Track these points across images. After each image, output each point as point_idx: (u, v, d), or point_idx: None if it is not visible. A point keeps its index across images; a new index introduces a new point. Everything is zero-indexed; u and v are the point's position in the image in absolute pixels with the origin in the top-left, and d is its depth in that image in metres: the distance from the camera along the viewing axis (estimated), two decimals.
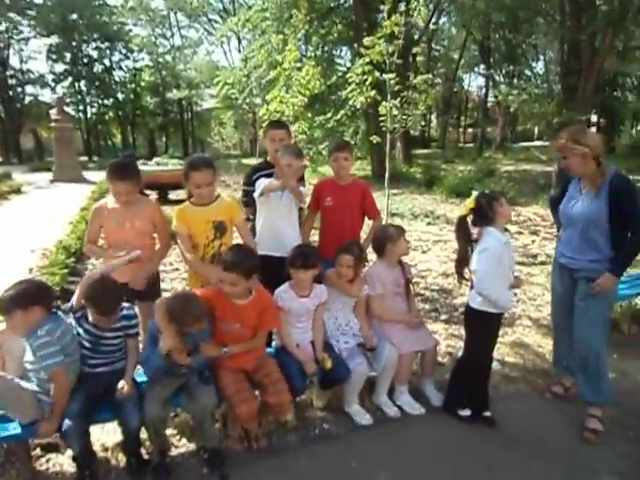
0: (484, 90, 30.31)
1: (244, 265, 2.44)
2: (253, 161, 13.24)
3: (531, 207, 10.54)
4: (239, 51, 28.80)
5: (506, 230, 2.89)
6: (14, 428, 2.25)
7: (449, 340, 3.94)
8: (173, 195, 12.32)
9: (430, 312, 4.56)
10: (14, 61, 32.86)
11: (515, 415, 2.93)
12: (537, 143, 31.80)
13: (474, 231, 2.80)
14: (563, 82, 13.64)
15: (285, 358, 2.73)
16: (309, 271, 2.70)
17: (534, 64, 29.28)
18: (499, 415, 2.86)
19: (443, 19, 27.92)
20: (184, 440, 2.68)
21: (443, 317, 4.42)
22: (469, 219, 2.80)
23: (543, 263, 6.21)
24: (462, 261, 2.83)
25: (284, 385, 2.56)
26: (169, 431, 2.66)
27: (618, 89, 26.00)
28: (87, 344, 2.40)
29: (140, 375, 2.55)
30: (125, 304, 2.49)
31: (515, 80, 24.60)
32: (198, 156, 3.07)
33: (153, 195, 11.99)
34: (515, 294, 5.03)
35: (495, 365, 3.45)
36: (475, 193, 2.80)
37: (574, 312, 2.86)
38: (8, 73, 30.08)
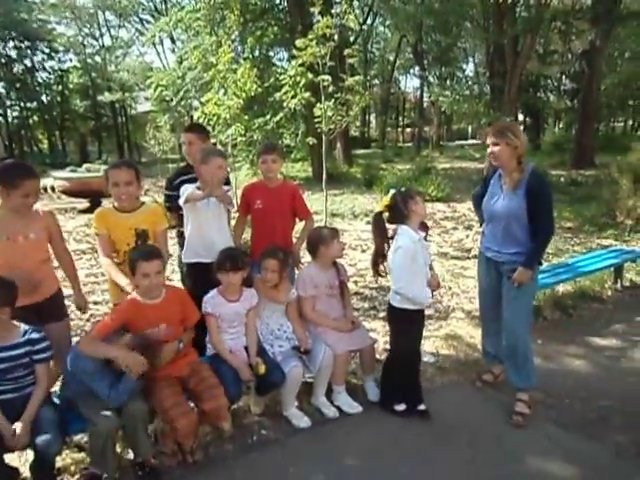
0: (419, 91, 31.36)
1: (159, 252, 2.52)
2: None
3: (466, 203, 10.96)
4: (173, 52, 28.01)
5: (425, 228, 2.94)
6: None
7: (387, 337, 3.99)
8: (106, 202, 11.73)
9: (369, 310, 4.63)
10: None
11: (449, 406, 3.03)
12: (471, 141, 33.33)
13: (391, 228, 2.86)
14: (490, 83, 14.39)
15: (219, 365, 2.67)
16: (238, 273, 2.68)
17: (465, 66, 30.74)
18: (434, 407, 2.93)
19: (378, 21, 28.63)
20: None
21: (382, 314, 4.49)
22: (385, 216, 2.86)
23: (476, 257, 6.47)
24: (378, 257, 2.89)
25: (220, 390, 2.51)
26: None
27: (541, 90, 27.81)
28: None
29: (57, 397, 2.39)
30: (28, 327, 2.31)
31: (447, 81, 25.72)
32: (121, 159, 2.99)
33: (84, 203, 11.41)
34: (450, 287, 5.24)
35: (429, 358, 3.59)
36: (392, 191, 2.86)
37: (501, 303, 2.99)
38: None
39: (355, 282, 5.29)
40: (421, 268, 2.79)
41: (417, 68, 30.55)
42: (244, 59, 13.79)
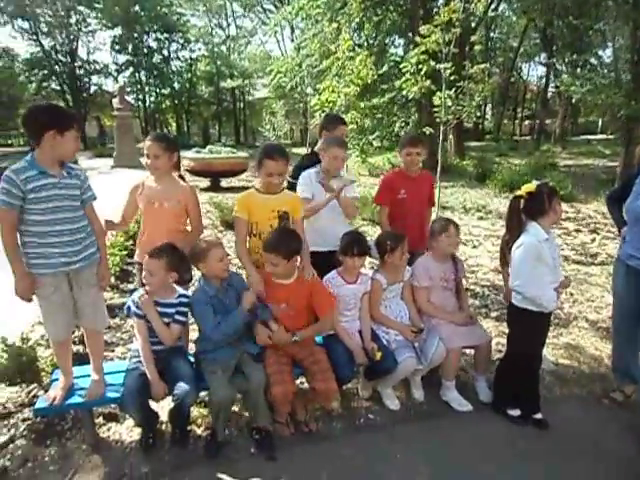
0: (544, 80, 28.85)
1: (284, 247, 2.55)
2: (303, 150, 13.31)
3: (591, 204, 9.98)
4: (292, 40, 28.90)
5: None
6: (79, 395, 2.43)
7: (500, 338, 3.82)
8: (225, 183, 12.59)
9: (480, 308, 4.45)
10: (82, 53, 34.77)
11: (569, 419, 2.82)
12: (600, 136, 30.04)
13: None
14: (633, 71, 12.77)
15: (333, 346, 2.76)
16: (362, 258, 2.76)
17: (601, 52, 27.56)
18: (551, 418, 2.75)
19: (503, 5, 26.70)
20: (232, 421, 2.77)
21: (494, 314, 4.30)
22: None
23: (603, 263, 5.90)
24: (508, 243, 2.67)
25: (332, 374, 2.60)
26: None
27: None
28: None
29: (191, 355, 2.66)
30: (183, 292, 2.60)
31: (579, 69, 23.26)
32: (274, 144, 3.05)
33: (205, 182, 12.33)
34: (571, 294, 4.83)
35: (548, 366, 3.36)
36: (536, 181, 2.66)
37: None
38: (76, 64, 31.84)
39: (466, 278, 5.10)
40: (549, 269, 2.59)
41: (543, 55, 28.10)
42: (359, 46, 13.79)
